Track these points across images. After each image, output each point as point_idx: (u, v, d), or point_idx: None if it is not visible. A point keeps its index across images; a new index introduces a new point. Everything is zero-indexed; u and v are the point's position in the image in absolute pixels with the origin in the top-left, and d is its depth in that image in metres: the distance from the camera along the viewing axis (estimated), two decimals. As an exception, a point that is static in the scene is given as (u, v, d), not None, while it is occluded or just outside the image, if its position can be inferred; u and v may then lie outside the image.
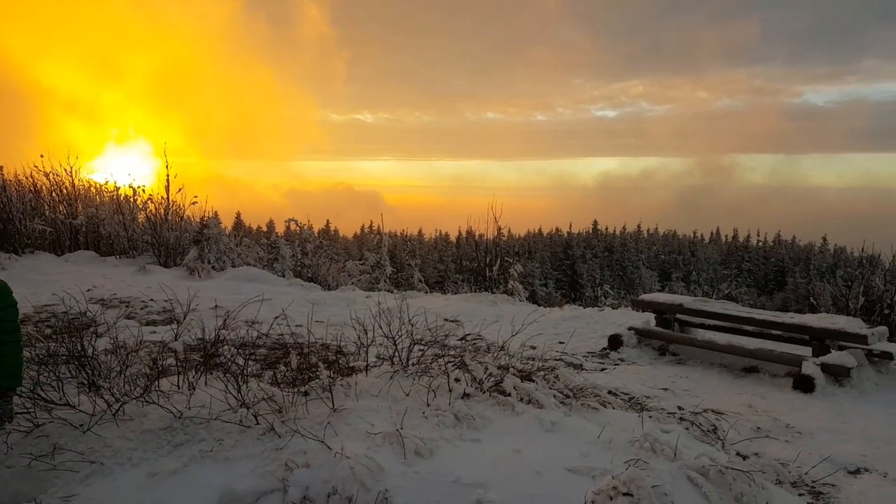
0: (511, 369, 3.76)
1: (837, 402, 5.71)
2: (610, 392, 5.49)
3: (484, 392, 3.48)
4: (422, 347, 4.26)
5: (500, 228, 11.89)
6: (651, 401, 5.40)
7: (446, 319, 7.52)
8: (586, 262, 69.33)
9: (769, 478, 3.32)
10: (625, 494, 2.25)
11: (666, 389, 5.88)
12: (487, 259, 12.17)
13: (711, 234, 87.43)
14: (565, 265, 68.96)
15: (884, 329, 6.62)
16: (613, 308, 11.42)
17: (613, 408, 4.06)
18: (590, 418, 3.53)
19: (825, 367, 6.08)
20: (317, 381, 3.20)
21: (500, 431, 3.09)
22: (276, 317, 3.76)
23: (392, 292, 15.07)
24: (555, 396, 3.67)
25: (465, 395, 3.41)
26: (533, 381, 3.87)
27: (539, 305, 12.01)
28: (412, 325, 4.21)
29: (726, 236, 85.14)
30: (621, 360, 7.06)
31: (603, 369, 6.57)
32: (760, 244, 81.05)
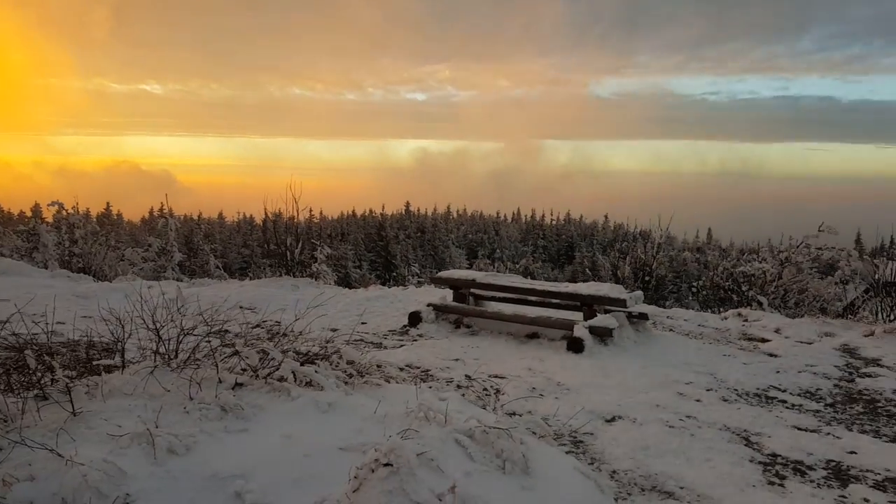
0: (291, 353, 3.70)
1: (602, 360, 6.36)
2: (404, 367, 5.68)
3: (259, 380, 3.39)
4: (197, 338, 4.01)
5: (299, 209, 11.58)
6: (442, 372, 5.66)
7: (241, 307, 7.21)
8: (399, 243, 70.58)
9: (531, 432, 3.63)
10: (385, 465, 2.33)
11: (457, 360, 6.18)
12: (289, 241, 11.85)
13: (513, 214, 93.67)
14: (379, 246, 69.56)
15: (639, 293, 7.55)
16: (418, 286, 11.74)
17: (398, 382, 4.17)
18: (372, 395, 3.60)
19: (592, 330, 6.77)
20: (56, 383, 2.88)
21: (271, 419, 3.04)
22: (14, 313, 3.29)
23: (182, 280, 14.09)
24: (338, 377, 3.68)
25: (238, 385, 3.30)
26: (315, 363, 3.85)
27: (351, 288, 11.98)
28: (182, 315, 3.94)
29: (526, 216, 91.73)
30: (420, 335, 7.30)
31: (402, 346, 6.75)
32: (554, 223, 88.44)
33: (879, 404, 5.34)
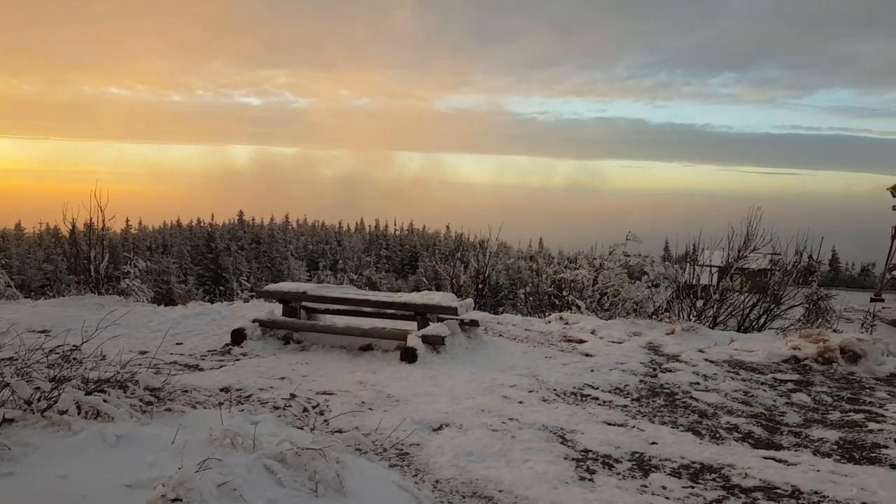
0: (76, 381, 3.28)
1: (434, 368, 6.40)
2: (222, 390, 5.31)
3: (35, 414, 2.96)
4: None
5: (105, 219, 10.48)
6: (264, 392, 5.36)
7: (31, 330, 6.38)
8: (231, 255, 67.07)
9: (354, 448, 3.52)
10: (174, 500, 2.11)
11: (283, 378, 5.90)
12: (93, 255, 10.70)
13: (357, 224, 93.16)
14: (208, 259, 65.59)
15: (470, 301, 7.74)
16: (246, 302, 11.15)
17: (205, 407, 3.87)
18: (173, 423, 3.29)
19: (425, 339, 6.81)
20: None
21: (46, 458, 2.66)
22: None
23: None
24: (133, 406, 3.32)
25: (7, 422, 2.85)
26: (105, 392, 3.45)
27: (172, 304, 11.06)
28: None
29: (369, 226, 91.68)
30: (244, 354, 6.90)
31: (221, 366, 6.32)
32: (398, 232, 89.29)
33: (677, 396, 5.88)
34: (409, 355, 6.61)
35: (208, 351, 7.06)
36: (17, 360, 4.07)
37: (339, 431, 4.41)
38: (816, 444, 4.76)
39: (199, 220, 78.40)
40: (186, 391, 4.06)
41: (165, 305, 10.34)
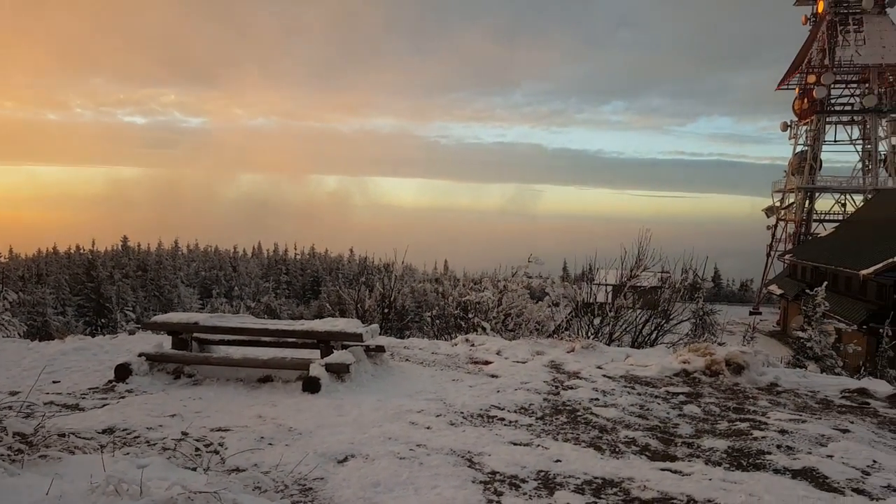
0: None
1: (338, 398, 6.23)
2: (105, 431, 4.92)
3: None
4: None
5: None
6: (152, 432, 5.00)
7: None
8: (115, 284, 62.83)
9: (253, 488, 3.33)
10: (46, 563, 1.89)
11: (174, 416, 5.55)
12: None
13: (254, 248, 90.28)
14: (89, 288, 61.08)
15: (376, 326, 7.63)
16: (131, 334, 10.47)
17: (86, 452, 3.55)
18: (47, 472, 2.99)
19: (329, 367, 6.62)
20: None
21: None
22: None
23: None
24: (0, 455, 2.98)
25: None
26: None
27: (47, 339, 10.20)
28: None
29: (268, 250, 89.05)
30: (129, 391, 6.44)
31: (105, 405, 5.86)
32: (298, 257, 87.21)
33: (579, 413, 6.02)
34: (311, 385, 6.41)
35: (90, 389, 6.54)
36: None
37: (237, 470, 4.17)
38: (707, 453, 5.00)
39: (78, 247, 73.54)
40: (64, 435, 3.70)
41: (40, 340, 9.54)
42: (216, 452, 4.44)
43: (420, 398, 6.36)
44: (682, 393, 6.87)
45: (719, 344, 9.28)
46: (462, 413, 5.89)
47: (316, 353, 7.05)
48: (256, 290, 75.91)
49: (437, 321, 16.44)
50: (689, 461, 4.77)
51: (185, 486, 2.77)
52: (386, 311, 16.66)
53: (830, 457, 4.90)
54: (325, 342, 7.06)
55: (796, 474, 4.55)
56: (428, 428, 5.38)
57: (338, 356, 6.83)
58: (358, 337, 6.91)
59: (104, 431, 4.93)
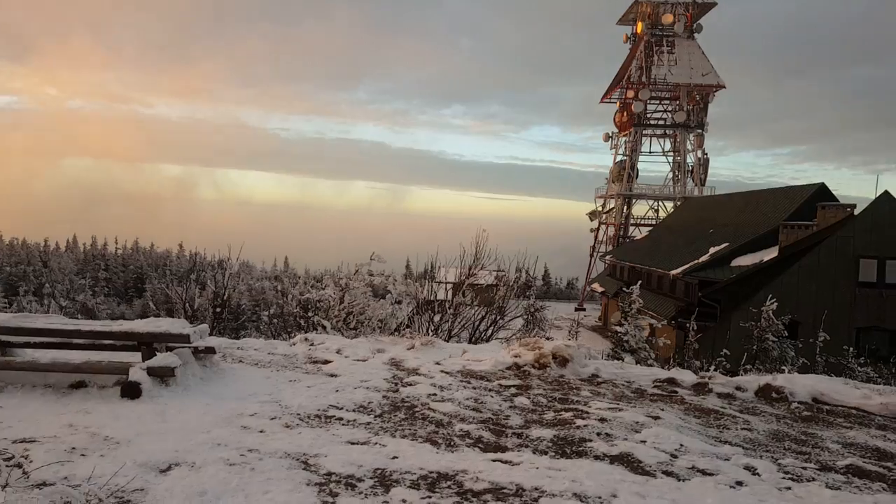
0: None
1: (162, 403, 5.85)
2: None
3: None
4: None
5: None
6: (-61, 448, 4.37)
7: None
8: None
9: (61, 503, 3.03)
10: None
11: (-33, 428, 4.90)
12: None
13: (67, 242, 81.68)
14: None
15: (205, 327, 7.24)
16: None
17: None
18: None
19: (151, 371, 6.18)
20: None
21: None
22: None
23: None
24: None
25: None
26: None
27: None
28: None
29: (84, 244, 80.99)
30: (-90, 402, 5.58)
31: None
32: (120, 252, 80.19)
33: (417, 409, 6.15)
34: (131, 390, 5.96)
35: None
36: None
37: (44, 485, 3.76)
38: (535, 442, 5.31)
39: None
40: None
41: None
42: (19, 466, 4.00)
43: (253, 401, 6.15)
44: (514, 385, 7.27)
45: (547, 338, 9.93)
46: (298, 414, 5.78)
47: (137, 357, 6.56)
48: (71, 288, 68.80)
49: (276, 320, 15.97)
50: (519, 451, 5.03)
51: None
52: (219, 310, 15.87)
53: (644, 442, 5.36)
54: (148, 344, 6.58)
55: (614, 460, 4.95)
56: (261, 431, 5.22)
57: (161, 359, 6.39)
58: (184, 338, 6.53)
59: None
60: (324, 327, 12.90)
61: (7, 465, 3.73)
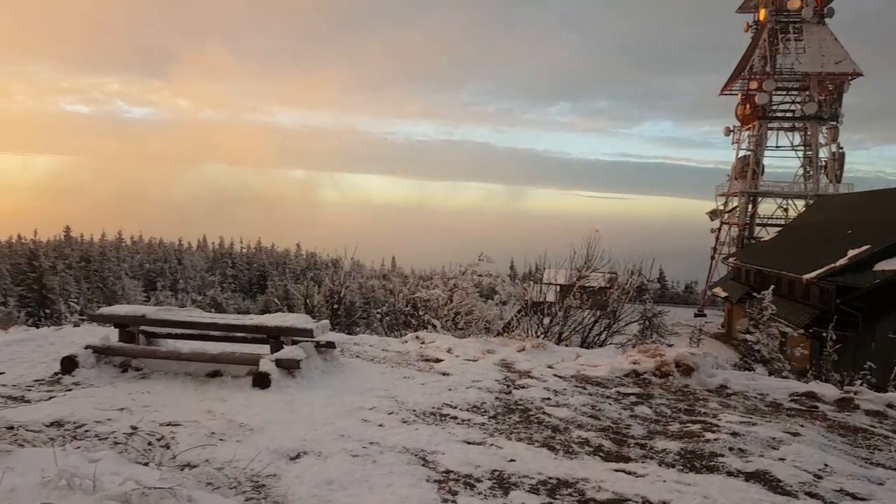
0: None
1: (289, 394, 6.16)
2: (53, 424, 4.76)
3: None
4: None
5: None
6: (101, 426, 4.86)
7: None
8: (58, 275, 60.60)
9: (205, 484, 3.28)
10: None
11: (123, 409, 5.40)
12: None
13: (199, 241, 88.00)
14: (31, 279, 58.82)
15: (326, 322, 7.56)
16: (76, 325, 10.13)
17: (35, 445, 3.43)
18: (-6, 466, 2.87)
19: (279, 362, 6.54)
20: None
21: None
22: None
23: None
24: (-58, 449, 2.86)
25: None
26: None
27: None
28: None
29: (213, 244, 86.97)
30: (76, 383, 6.24)
31: (51, 398, 5.69)
32: (244, 250, 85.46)
33: (531, 413, 6.11)
34: (261, 381, 6.32)
35: (35, 381, 6.32)
36: None
37: (189, 466, 4.10)
38: (661, 454, 5.10)
39: (19, 237, 70.43)
40: (12, 427, 3.57)
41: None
42: (167, 447, 4.35)
43: (372, 395, 6.34)
44: (633, 394, 7.04)
45: (668, 345, 9.55)
46: (414, 411, 5.90)
47: (265, 349, 6.95)
48: (202, 284, 74.09)
49: (387, 318, 16.41)
50: (643, 462, 4.86)
51: (139, 482, 2.71)
52: (335, 306, 16.54)
53: (782, 460, 5.01)
54: (276, 337, 6.96)
55: (749, 477, 4.66)
56: (381, 425, 5.37)
57: (288, 351, 6.74)
58: (308, 332, 6.85)
59: (52, 424, 4.78)
60: (434, 326, 13.13)
61: (158, 446, 4.07)
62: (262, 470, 4.18)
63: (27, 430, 3.71)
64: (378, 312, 18.77)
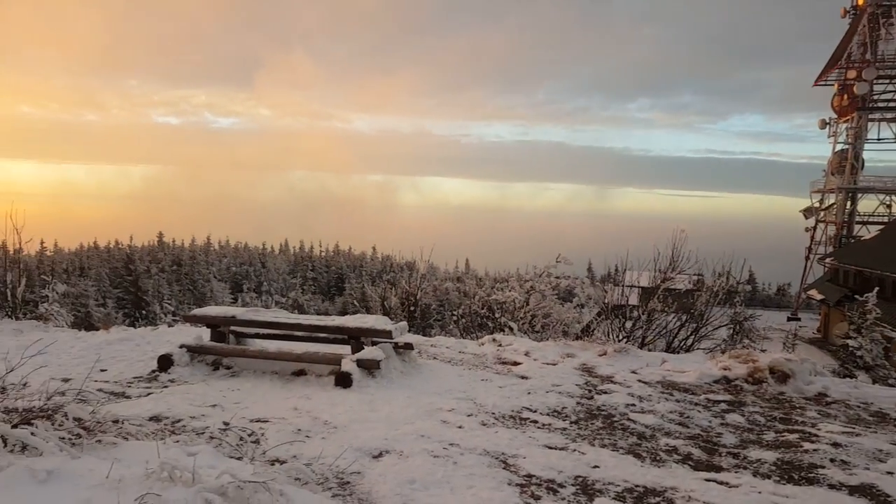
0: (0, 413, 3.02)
1: (369, 393, 6.27)
2: (151, 419, 5.03)
3: (-50, 451, 2.70)
4: None
5: (22, 241, 9.91)
6: (196, 421, 5.10)
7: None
8: (152, 278, 64.31)
9: (294, 479, 3.37)
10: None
11: (215, 406, 5.65)
12: (9, 278, 10.07)
13: (281, 245, 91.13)
14: (127, 282, 62.69)
15: (404, 324, 7.65)
16: (170, 326, 10.70)
17: (138, 439, 3.63)
18: (105, 456, 3.07)
19: (360, 363, 6.67)
20: None
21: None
22: None
23: None
24: (63, 438, 3.08)
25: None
26: (32, 424, 3.19)
27: (91, 329, 10.46)
28: None
29: (294, 247, 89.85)
30: (172, 381, 6.59)
31: (149, 394, 6.02)
32: (323, 254, 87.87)
33: (615, 419, 5.97)
34: (343, 380, 6.46)
35: (134, 378, 6.71)
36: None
37: (278, 461, 4.23)
38: (755, 465, 4.88)
39: (117, 242, 75.06)
40: (117, 421, 3.80)
41: (86, 330, 9.80)
42: (257, 443, 4.51)
43: (450, 397, 6.36)
44: (724, 401, 6.74)
45: (761, 351, 9.09)
46: (493, 414, 5.88)
47: (346, 349, 7.10)
48: (284, 286, 76.68)
49: (463, 320, 16.42)
50: (736, 472, 4.67)
51: (234, 476, 2.81)
52: (412, 308, 16.69)
53: (891, 473, 4.70)
54: (356, 338, 7.11)
55: (854, 491, 4.40)
56: (460, 427, 5.38)
57: (368, 352, 6.86)
58: (388, 334, 6.95)
59: (151, 419, 5.05)
60: (510, 329, 13.03)
61: (250, 442, 4.22)
62: (347, 467, 4.25)
63: (130, 424, 3.93)
64: (453, 315, 18.82)
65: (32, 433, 3.03)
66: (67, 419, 3.30)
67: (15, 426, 3.05)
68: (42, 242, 63.43)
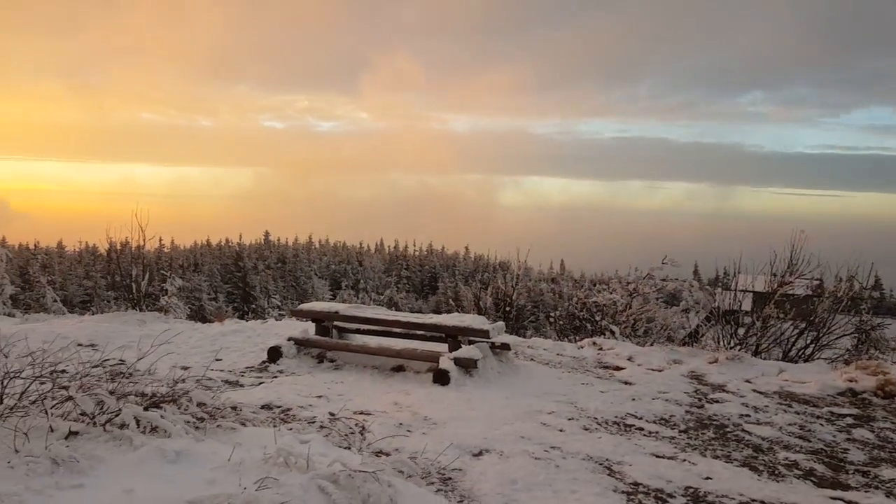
0: (133, 396, 3.26)
1: (467, 392, 6.28)
2: (263, 407, 5.28)
3: (97, 427, 2.95)
4: (25, 381, 3.45)
5: (146, 238, 10.67)
6: (304, 410, 5.30)
7: (80, 345, 6.43)
8: (259, 274, 67.89)
9: (399, 472, 3.42)
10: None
11: (321, 397, 5.86)
12: (134, 273, 10.87)
13: (376, 244, 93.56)
14: (237, 277, 66.51)
15: (501, 324, 7.62)
16: (278, 319, 11.21)
17: (255, 425, 3.81)
18: (226, 440, 3.24)
19: (458, 361, 6.69)
20: None
21: (111, 471, 2.66)
22: None
23: (13, 316, 12.61)
24: (188, 422, 3.29)
25: (73, 434, 2.86)
26: (161, 407, 3.41)
27: (205, 322, 11.17)
28: (4, 356, 3.38)
29: (389, 247, 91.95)
30: (280, 371, 6.89)
31: (260, 383, 6.32)
32: (417, 253, 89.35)
33: (728, 429, 5.66)
34: (441, 377, 6.50)
35: (246, 367, 7.07)
36: (69, 374, 4.08)
37: (381, 452, 4.32)
38: (888, 485, 4.51)
39: (227, 240, 79.68)
40: (235, 408, 4.02)
41: (201, 322, 10.43)
42: (362, 434, 4.61)
43: (549, 399, 6.26)
44: (850, 415, 6.25)
45: (893, 363, 8.36)
46: (596, 419, 5.73)
47: (443, 347, 7.14)
48: (379, 284, 78.64)
49: (559, 322, 16.12)
50: (866, 492, 4.33)
51: (345, 464, 2.89)
52: (507, 309, 16.59)
53: None
54: (454, 336, 7.13)
55: None
56: (561, 430, 5.28)
57: (466, 351, 6.87)
58: (485, 333, 6.93)
59: (263, 407, 5.30)
60: (612, 332, 12.67)
61: (357, 433, 4.33)
62: (449, 464, 4.27)
63: (247, 411, 4.13)
64: (550, 316, 18.56)
65: (162, 416, 3.24)
66: (192, 404, 3.51)
67: (146, 409, 3.27)
68: (161, 240, 68.55)
